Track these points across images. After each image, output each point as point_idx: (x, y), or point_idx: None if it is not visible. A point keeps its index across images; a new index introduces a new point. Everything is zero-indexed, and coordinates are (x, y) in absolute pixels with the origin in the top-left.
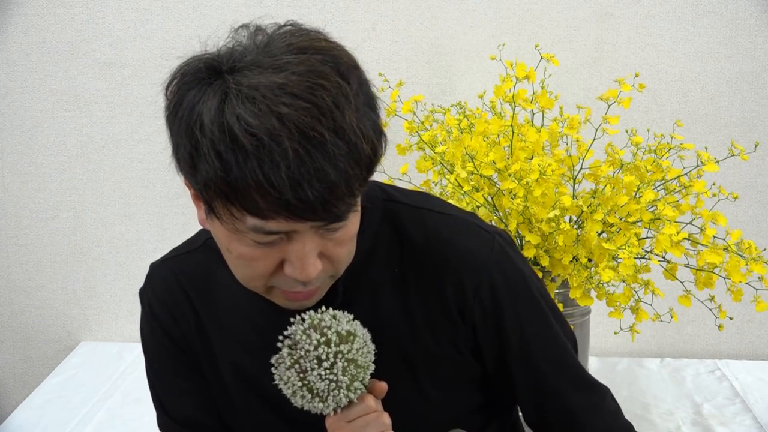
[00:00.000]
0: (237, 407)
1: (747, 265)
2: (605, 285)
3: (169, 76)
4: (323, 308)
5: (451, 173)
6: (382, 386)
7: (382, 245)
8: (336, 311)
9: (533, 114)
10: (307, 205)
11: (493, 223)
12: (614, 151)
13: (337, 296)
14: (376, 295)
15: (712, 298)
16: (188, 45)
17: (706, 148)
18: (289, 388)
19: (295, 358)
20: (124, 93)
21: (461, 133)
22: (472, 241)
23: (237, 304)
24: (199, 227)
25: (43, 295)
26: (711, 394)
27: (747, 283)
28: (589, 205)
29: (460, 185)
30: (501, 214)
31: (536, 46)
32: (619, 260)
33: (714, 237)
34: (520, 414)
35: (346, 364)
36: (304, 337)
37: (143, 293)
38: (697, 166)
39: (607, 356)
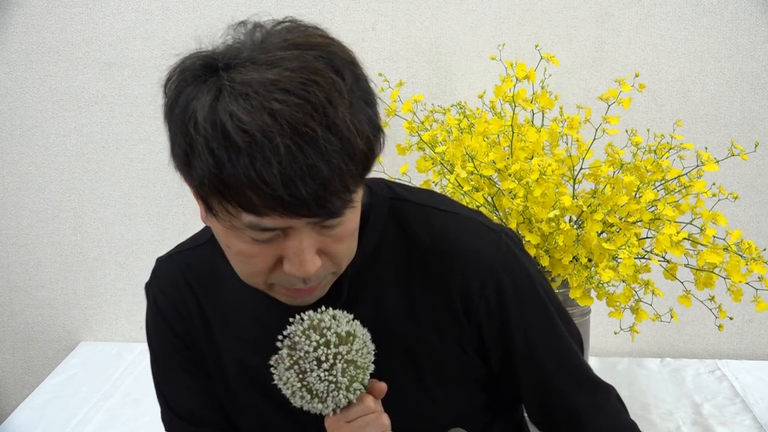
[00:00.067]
0: (241, 404)
1: (747, 265)
2: (605, 285)
3: (167, 74)
4: (323, 308)
5: (451, 173)
6: (382, 386)
7: (388, 243)
8: (336, 311)
9: (533, 114)
10: (301, 201)
11: None
12: (614, 151)
13: (342, 294)
14: (381, 293)
15: (712, 298)
16: (188, 45)
17: (706, 148)
18: (288, 389)
19: (294, 359)
20: (124, 93)
21: (461, 133)
22: (479, 241)
23: (242, 300)
24: (201, 225)
25: (43, 295)
26: (711, 394)
27: (747, 283)
28: (589, 205)
29: (460, 185)
30: (501, 214)
31: (536, 46)
32: (619, 260)
33: (714, 237)
34: (525, 414)
35: (345, 365)
36: (303, 338)
37: (149, 287)
38: (697, 166)
39: (607, 356)
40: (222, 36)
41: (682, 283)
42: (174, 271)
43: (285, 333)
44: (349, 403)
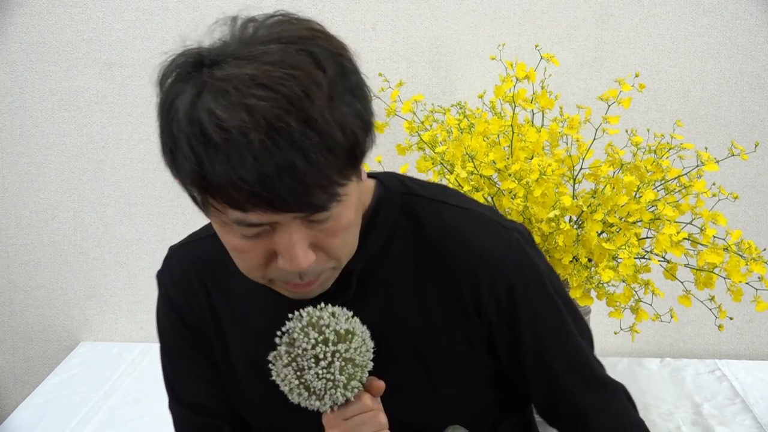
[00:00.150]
0: (247, 395)
1: (747, 265)
2: (605, 285)
3: (160, 71)
4: (323, 305)
5: (451, 173)
6: (380, 385)
7: (399, 238)
8: (335, 308)
9: (533, 114)
10: (280, 197)
11: None
12: (614, 151)
13: (350, 288)
14: (390, 288)
15: (712, 298)
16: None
17: (706, 148)
18: (286, 385)
19: (292, 356)
20: (124, 93)
21: (461, 133)
22: (490, 237)
23: (249, 291)
24: (201, 224)
25: (43, 295)
26: (711, 394)
27: (747, 283)
28: (589, 205)
29: (460, 185)
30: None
31: (536, 46)
32: (619, 260)
33: (714, 237)
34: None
35: (343, 363)
36: (302, 335)
37: (160, 276)
38: (697, 166)
39: (607, 356)
40: (215, 31)
41: (682, 283)
42: (184, 261)
43: (283, 329)
44: (347, 401)
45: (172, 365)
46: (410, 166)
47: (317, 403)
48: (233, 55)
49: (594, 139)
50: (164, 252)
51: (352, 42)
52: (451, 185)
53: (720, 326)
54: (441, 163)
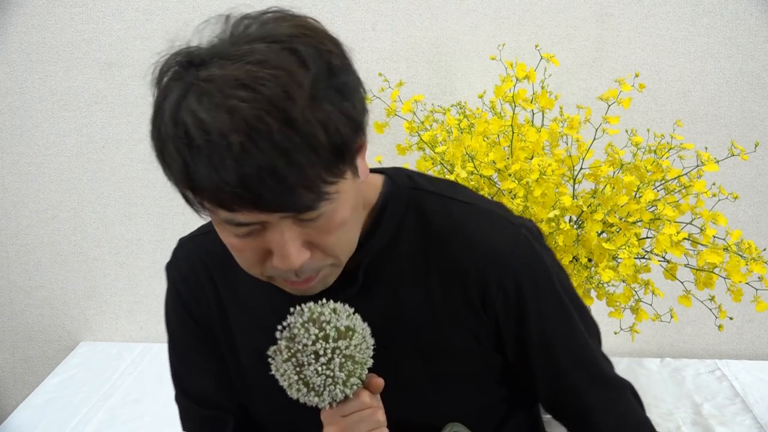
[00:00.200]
0: (253, 390)
1: (747, 265)
2: (605, 285)
3: (154, 71)
4: (324, 300)
5: (451, 173)
6: (379, 382)
7: (407, 234)
8: (337, 304)
9: (533, 114)
10: (263, 199)
11: None
12: (614, 151)
13: (356, 283)
14: (397, 283)
15: (712, 298)
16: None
17: (706, 148)
18: (285, 380)
19: (292, 351)
20: (124, 93)
21: (461, 133)
22: (497, 234)
23: (256, 286)
24: (200, 224)
25: (43, 295)
26: (711, 394)
27: (747, 283)
28: (589, 205)
29: None
30: None
31: (536, 46)
32: (619, 260)
33: (714, 237)
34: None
35: (343, 360)
36: (302, 331)
37: (169, 268)
38: (697, 166)
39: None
40: (205, 30)
41: (682, 283)
42: (192, 254)
43: (284, 323)
44: (346, 397)
45: (178, 357)
46: (410, 166)
47: (316, 399)
48: (219, 54)
49: (594, 139)
50: (164, 252)
51: (352, 42)
52: None
53: (720, 326)
54: (441, 163)
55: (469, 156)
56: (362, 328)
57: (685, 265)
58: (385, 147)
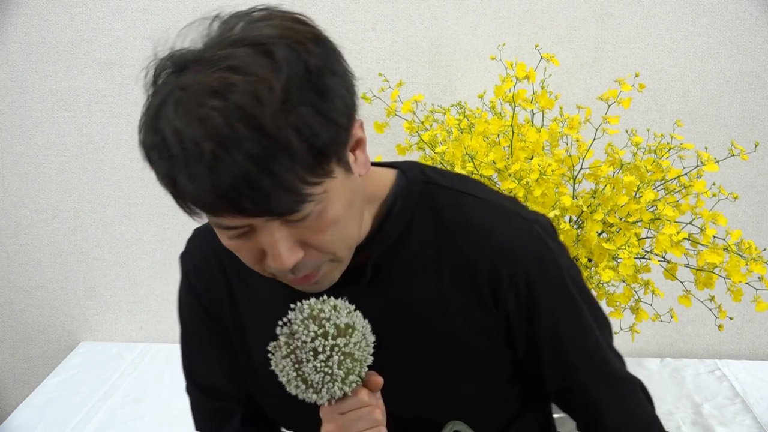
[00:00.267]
0: (263, 383)
1: (747, 265)
2: (605, 285)
3: (149, 73)
4: (325, 297)
5: None
6: (378, 380)
7: (418, 228)
8: (338, 301)
9: (533, 114)
10: (241, 205)
11: None
12: (614, 151)
13: (364, 276)
14: (408, 278)
15: (712, 298)
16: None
17: (706, 148)
18: (284, 377)
19: (291, 347)
20: (124, 93)
21: (461, 133)
22: (509, 230)
23: (267, 279)
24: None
25: (43, 295)
26: (711, 394)
27: (747, 283)
28: (589, 205)
29: None
30: None
31: (536, 46)
32: (619, 260)
33: (714, 237)
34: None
35: (342, 357)
36: (302, 328)
37: (183, 258)
38: (697, 166)
39: None
40: (189, 34)
41: (682, 283)
42: (206, 245)
43: (284, 319)
44: (344, 395)
45: (189, 348)
46: None
47: (314, 396)
48: (198, 59)
49: (594, 139)
50: (164, 252)
51: (352, 42)
52: None
53: (720, 326)
54: (441, 163)
55: (469, 156)
56: (362, 326)
57: (685, 265)
58: (385, 147)
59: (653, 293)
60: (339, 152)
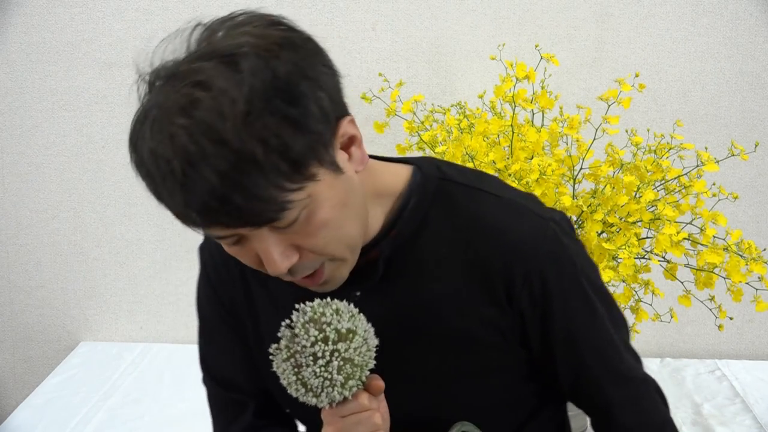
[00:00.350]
0: (275, 380)
1: (747, 265)
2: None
3: (140, 81)
4: (328, 299)
5: None
6: (379, 385)
7: (432, 225)
8: (341, 305)
9: (533, 114)
10: (218, 219)
11: None
12: (614, 151)
13: (376, 273)
14: (421, 274)
15: (712, 298)
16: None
17: (706, 148)
18: (284, 380)
19: (291, 351)
20: (124, 93)
21: (461, 133)
22: (524, 228)
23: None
24: None
25: (43, 295)
26: (711, 394)
27: (747, 283)
28: (589, 205)
29: None
30: None
31: (536, 46)
32: (619, 260)
33: (714, 237)
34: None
35: (342, 362)
36: (302, 332)
37: (202, 250)
38: (697, 166)
39: None
40: (169, 46)
41: (682, 283)
42: None
43: (286, 321)
44: (345, 398)
45: (206, 339)
46: None
47: (314, 399)
48: (171, 74)
49: (594, 139)
50: (164, 252)
51: (352, 42)
52: None
53: (720, 326)
54: None
55: (469, 156)
56: (364, 330)
57: (685, 265)
58: (385, 147)
59: (653, 293)
60: (319, 156)
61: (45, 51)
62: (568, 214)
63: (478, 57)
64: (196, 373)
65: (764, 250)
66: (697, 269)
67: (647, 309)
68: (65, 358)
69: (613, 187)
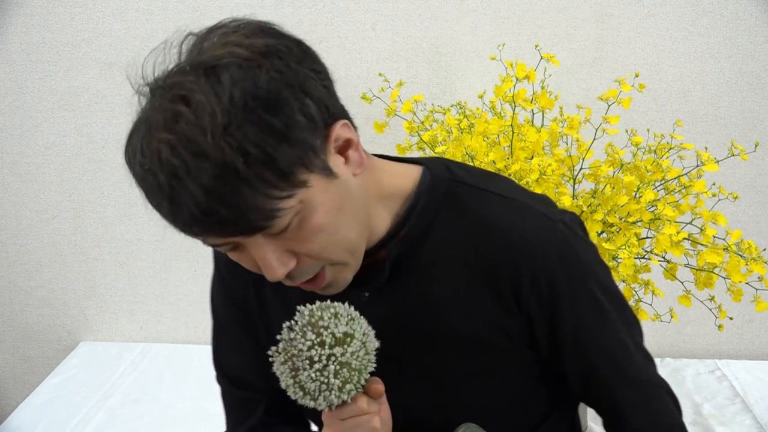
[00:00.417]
0: None
1: (747, 265)
2: None
3: (142, 91)
4: (328, 302)
5: None
6: (379, 388)
7: (440, 226)
8: (340, 308)
9: (533, 114)
10: (207, 229)
11: None
12: (614, 151)
13: (382, 274)
14: (428, 275)
15: (712, 298)
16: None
17: (706, 148)
18: (283, 382)
19: (289, 354)
20: (124, 93)
21: (461, 133)
22: (533, 229)
23: None
24: None
25: (43, 295)
26: (711, 394)
27: (747, 283)
28: (589, 205)
29: None
30: None
31: (536, 46)
32: (619, 260)
33: (714, 237)
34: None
35: (338, 367)
36: (299, 335)
37: (216, 251)
38: (697, 166)
39: None
40: (162, 56)
41: (682, 283)
42: None
43: (286, 324)
44: (343, 402)
45: (219, 337)
46: None
47: (312, 402)
48: (159, 86)
49: (594, 139)
50: (164, 252)
51: (352, 42)
52: None
53: (720, 326)
54: None
55: (469, 156)
56: (363, 334)
57: (685, 265)
58: (385, 147)
59: (653, 293)
60: (308, 163)
61: (45, 51)
62: None
63: (478, 57)
64: (196, 373)
65: (764, 250)
66: (697, 269)
67: (647, 309)
68: (65, 358)
69: (613, 187)
